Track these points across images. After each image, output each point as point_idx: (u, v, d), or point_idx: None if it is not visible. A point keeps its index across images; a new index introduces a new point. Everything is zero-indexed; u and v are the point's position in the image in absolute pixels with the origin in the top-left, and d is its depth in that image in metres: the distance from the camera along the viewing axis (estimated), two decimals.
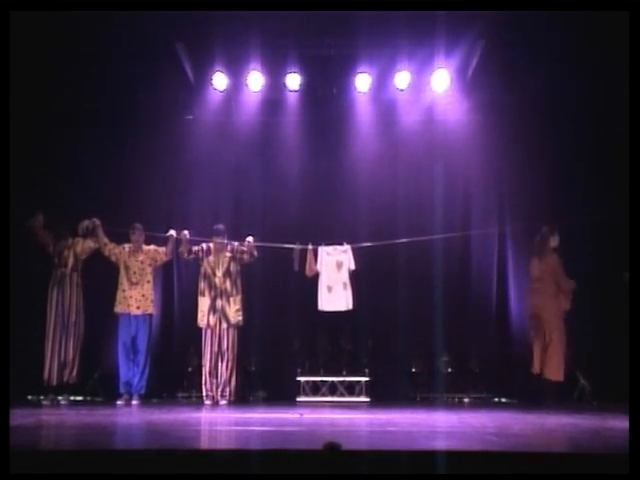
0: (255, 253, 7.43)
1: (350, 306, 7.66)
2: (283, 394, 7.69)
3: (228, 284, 7.34)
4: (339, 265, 7.71)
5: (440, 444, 3.59)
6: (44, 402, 7.11)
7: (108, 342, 7.53)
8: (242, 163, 8.46)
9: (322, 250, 7.73)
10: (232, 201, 8.44)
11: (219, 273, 7.35)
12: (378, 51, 7.95)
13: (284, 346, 8.07)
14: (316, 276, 7.72)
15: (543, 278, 7.12)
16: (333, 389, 7.72)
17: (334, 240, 7.75)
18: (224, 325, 7.28)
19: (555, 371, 6.98)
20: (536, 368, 7.03)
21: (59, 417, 5.64)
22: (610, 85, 7.16)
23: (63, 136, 7.92)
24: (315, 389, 7.70)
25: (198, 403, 7.38)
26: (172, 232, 7.41)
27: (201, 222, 7.91)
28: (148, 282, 7.36)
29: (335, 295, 7.66)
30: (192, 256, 7.41)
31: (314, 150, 8.35)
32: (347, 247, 7.72)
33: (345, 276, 7.68)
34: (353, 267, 7.68)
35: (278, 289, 7.96)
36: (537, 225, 7.38)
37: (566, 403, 7.07)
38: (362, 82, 8.15)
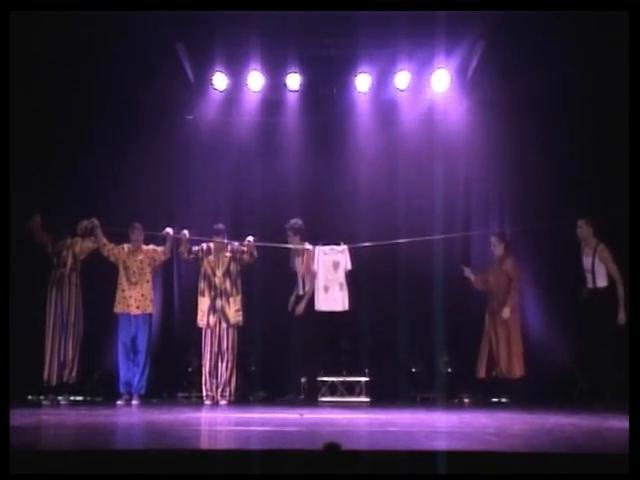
0: (255, 253, 7.43)
1: (346, 307, 7.64)
2: (283, 394, 7.68)
3: (228, 284, 7.34)
4: (335, 265, 7.69)
5: (440, 444, 3.59)
6: (44, 402, 7.11)
7: (108, 342, 7.53)
8: (242, 163, 8.46)
9: (319, 250, 7.72)
10: (232, 201, 8.43)
11: (219, 273, 7.36)
12: (378, 51, 7.95)
13: (284, 346, 8.06)
14: (313, 276, 7.71)
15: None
16: (333, 389, 7.72)
17: (331, 240, 7.75)
18: (224, 325, 7.29)
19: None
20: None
21: (59, 417, 5.64)
22: (610, 85, 7.15)
23: (63, 136, 7.91)
24: (315, 389, 7.68)
25: (198, 403, 7.37)
26: (169, 230, 7.41)
27: (201, 222, 7.90)
28: (147, 282, 7.36)
29: (332, 295, 7.64)
30: (192, 256, 7.41)
31: (314, 150, 8.35)
32: (344, 247, 7.70)
33: (342, 276, 7.65)
34: (349, 267, 7.67)
35: (278, 289, 7.95)
36: (537, 225, 7.40)
37: (566, 403, 7.07)
38: (362, 82, 8.14)
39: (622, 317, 6.65)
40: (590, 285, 6.98)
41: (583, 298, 7.04)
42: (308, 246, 7.51)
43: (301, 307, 7.36)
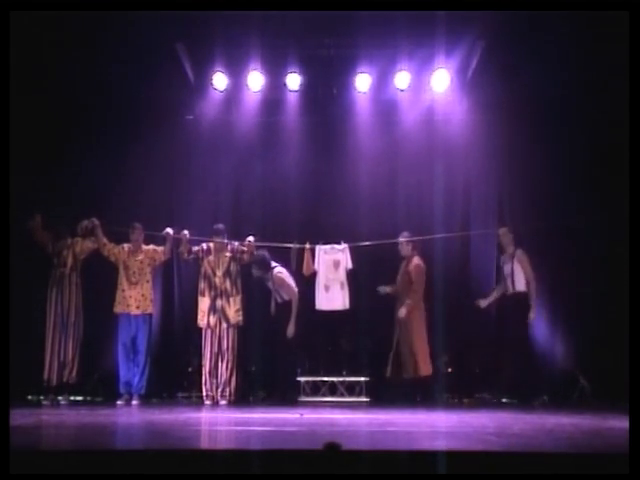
0: (255, 253, 7.43)
1: (347, 305, 7.66)
2: (283, 394, 7.68)
3: (228, 284, 7.35)
4: (336, 264, 7.71)
5: (440, 444, 3.59)
6: (44, 402, 7.11)
7: (108, 342, 7.53)
8: (242, 163, 8.46)
9: (319, 249, 7.74)
10: (232, 201, 8.44)
11: (219, 273, 7.36)
12: (378, 51, 7.95)
13: (284, 346, 8.05)
14: (314, 275, 7.72)
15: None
16: (333, 389, 7.72)
17: (332, 239, 7.75)
18: (224, 325, 7.29)
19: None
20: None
21: (59, 417, 5.64)
22: (610, 85, 7.15)
23: (63, 136, 7.90)
24: (315, 389, 7.69)
25: (198, 403, 7.37)
26: (169, 230, 7.41)
27: (201, 222, 7.90)
28: (147, 282, 7.36)
29: (332, 294, 7.66)
30: (192, 256, 7.41)
31: (314, 150, 8.34)
32: (344, 246, 7.72)
33: (342, 275, 7.67)
34: (350, 266, 7.69)
35: None
36: (537, 225, 7.42)
37: (566, 403, 7.08)
38: (362, 82, 8.14)
39: (532, 316, 7.22)
40: (510, 290, 7.36)
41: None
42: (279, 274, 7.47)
43: (291, 330, 7.39)
